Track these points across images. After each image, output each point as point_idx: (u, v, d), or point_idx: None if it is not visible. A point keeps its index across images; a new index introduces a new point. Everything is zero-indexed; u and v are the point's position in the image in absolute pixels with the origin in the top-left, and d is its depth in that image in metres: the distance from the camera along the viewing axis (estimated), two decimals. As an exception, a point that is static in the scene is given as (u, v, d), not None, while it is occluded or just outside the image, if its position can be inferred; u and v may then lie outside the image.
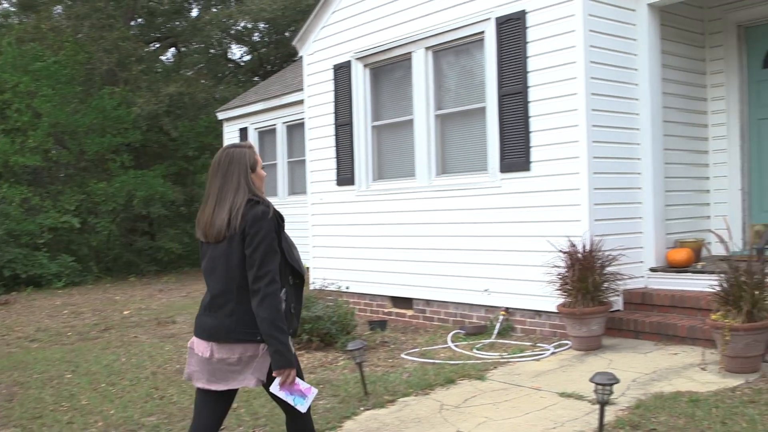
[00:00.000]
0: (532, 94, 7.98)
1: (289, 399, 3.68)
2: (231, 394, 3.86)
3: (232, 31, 27.89)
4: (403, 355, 7.58)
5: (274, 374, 3.64)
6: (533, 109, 7.98)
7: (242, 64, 31.04)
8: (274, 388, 3.66)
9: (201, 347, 3.78)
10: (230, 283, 3.70)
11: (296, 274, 3.85)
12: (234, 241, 3.68)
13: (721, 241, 6.54)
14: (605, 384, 4.41)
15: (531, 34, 7.98)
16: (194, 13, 28.71)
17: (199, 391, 3.83)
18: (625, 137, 7.92)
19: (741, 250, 8.35)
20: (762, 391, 5.46)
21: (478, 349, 7.55)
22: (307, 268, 11.33)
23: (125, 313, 12.27)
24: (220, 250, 3.73)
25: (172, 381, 7.11)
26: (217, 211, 3.74)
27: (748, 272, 6.07)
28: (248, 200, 3.74)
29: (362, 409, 5.78)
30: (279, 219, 3.77)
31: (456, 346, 7.81)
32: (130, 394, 6.74)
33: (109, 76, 21.59)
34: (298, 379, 3.70)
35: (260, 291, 3.59)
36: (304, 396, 3.71)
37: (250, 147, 3.98)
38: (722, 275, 6.22)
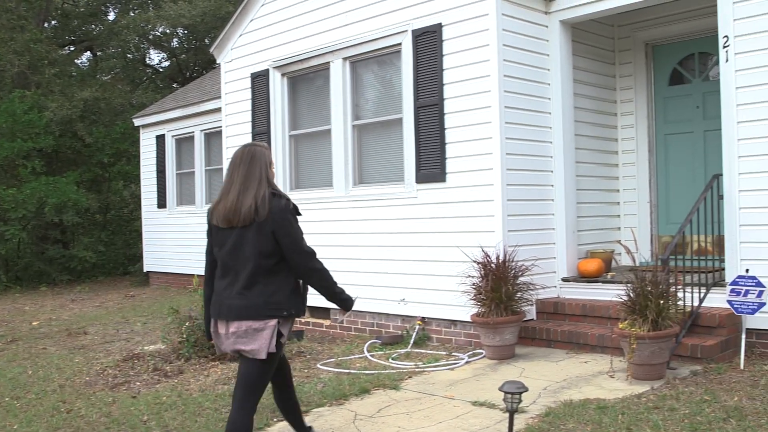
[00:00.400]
0: (448, 106, 8.08)
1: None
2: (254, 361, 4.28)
3: (151, 36, 27.38)
4: (319, 366, 7.56)
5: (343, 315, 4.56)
6: (449, 121, 8.08)
7: (161, 69, 30.50)
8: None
9: (223, 326, 4.29)
10: (258, 267, 4.16)
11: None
12: (262, 229, 4.14)
13: (628, 252, 6.74)
14: (514, 393, 4.48)
15: (447, 47, 8.08)
16: (111, 16, 28.10)
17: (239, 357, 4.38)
18: (538, 150, 8.09)
19: (648, 260, 8.62)
20: (666, 398, 5.63)
21: (394, 359, 7.58)
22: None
23: (34, 323, 11.89)
24: (246, 237, 4.17)
25: (80, 394, 6.92)
26: (241, 199, 4.16)
27: (653, 282, 6.27)
28: (272, 193, 4.21)
29: (275, 420, 5.73)
30: (296, 210, 4.32)
31: (372, 355, 7.82)
32: (36, 408, 6.53)
33: (20, 79, 20.90)
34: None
35: (316, 270, 4.30)
36: None
37: (267, 147, 4.48)
38: (629, 285, 6.40)
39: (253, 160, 4.29)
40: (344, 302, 4.52)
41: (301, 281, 4.37)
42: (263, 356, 4.19)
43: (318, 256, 4.33)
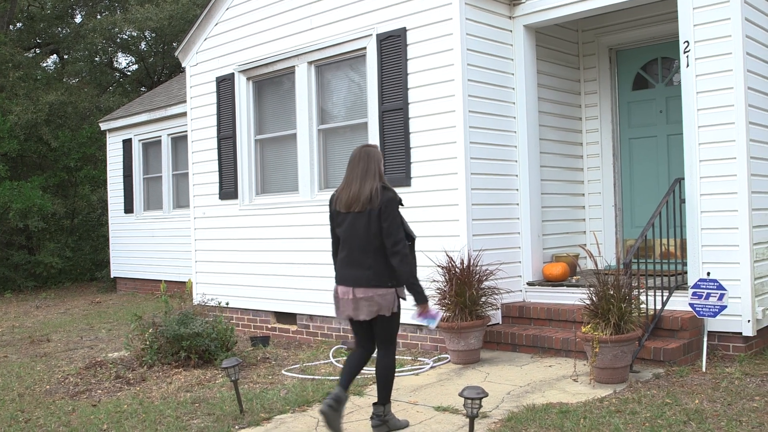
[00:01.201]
0: (413, 111, 8.08)
1: (424, 322, 5.27)
2: (371, 321, 5.23)
3: (118, 40, 27.12)
4: (283, 372, 7.50)
5: (415, 307, 5.17)
6: (413, 126, 8.07)
7: (129, 73, 30.23)
8: (413, 316, 5.26)
9: (344, 292, 5.21)
10: (369, 246, 5.10)
11: (409, 238, 5.19)
12: (373, 215, 5.05)
13: (591, 256, 6.76)
14: (474, 398, 4.47)
15: (411, 52, 8.08)
16: (78, 19, 27.81)
17: (352, 321, 5.29)
18: (503, 154, 8.11)
19: (613, 264, 8.66)
20: (628, 401, 5.66)
21: (359, 365, 7.54)
22: (191, 282, 11.10)
23: (-4, 331, 11.70)
24: (360, 221, 5.10)
25: (40, 403, 6.80)
26: (360, 190, 5.09)
27: (616, 286, 6.29)
28: (382, 186, 5.11)
29: (237, 427, 5.67)
30: (400, 201, 5.17)
31: (338, 361, 7.78)
32: (-7, 418, 6.41)
33: (-17, 83, 20.63)
34: (431, 307, 5.26)
35: (399, 253, 5.03)
36: (434, 318, 5.28)
37: (377, 147, 5.48)
38: (592, 289, 6.43)
39: (369, 158, 5.20)
40: (417, 294, 5.13)
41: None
42: (386, 313, 5.13)
43: (405, 247, 5.06)
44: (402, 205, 5.18)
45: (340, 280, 5.31)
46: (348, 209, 5.17)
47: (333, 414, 5.09)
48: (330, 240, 5.52)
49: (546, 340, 7.39)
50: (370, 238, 5.09)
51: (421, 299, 5.15)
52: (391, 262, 5.07)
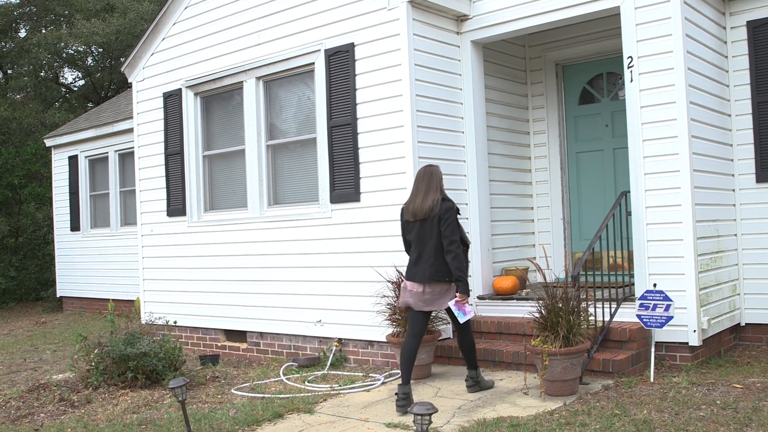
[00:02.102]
0: (362, 126, 8.07)
1: (455, 310, 6.27)
2: (429, 313, 6.51)
3: (64, 55, 26.67)
4: (233, 390, 7.39)
5: (457, 295, 6.23)
6: (363, 141, 8.06)
7: (75, 89, 29.74)
8: (451, 303, 6.28)
9: (413, 287, 6.36)
10: (431, 248, 6.24)
11: (464, 243, 6.38)
12: (434, 222, 6.22)
13: (539, 269, 6.80)
14: (424, 414, 4.44)
15: (359, 67, 8.07)
16: (22, 33, 27.30)
17: (412, 311, 6.43)
18: (452, 168, 8.13)
19: (560, 277, 8.73)
20: (578, 413, 5.68)
21: (310, 381, 7.48)
22: (139, 301, 10.89)
23: (-65, 355, 11.34)
24: (425, 227, 6.27)
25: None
26: (423, 202, 6.28)
27: (564, 299, 6.33)
28: (442, 198, 6.31)
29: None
30: (457, 210, 6.33)
31: (288, 379, 7.70)
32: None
33: (-76, 98, 20.10)
34: (468, 304, 6.32)
35: (453, 251, 6.19)
36: (465, 314, 6.28)
37: (438, 167, 6.53)
38: (541, 302, 6.46)
39: (431, 176, 6.39)
40: (461, 285, 6.23)
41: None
42: (443, 308, 6.44)
43: (458, 247, 6.22)
44: (459, 213, 6.35)
45: (410, 276, 6.42)
46: (415, 218, 6.33)
47: (406, 407, 6.01)
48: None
49: (497, 353, 7.41)
50: (434, 241, 6.23)
51: (463, 291, 6.24)
52: (446, 258, 6.21)
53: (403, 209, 6.53)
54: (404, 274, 6.61)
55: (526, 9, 7.84)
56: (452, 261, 6.18)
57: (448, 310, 6.42)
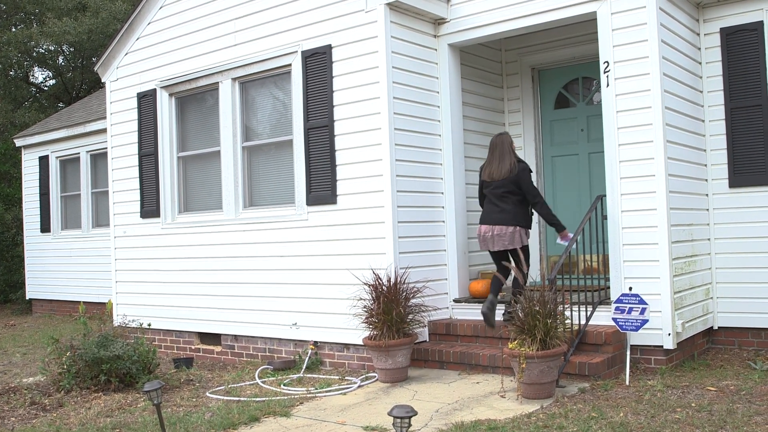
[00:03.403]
0: (339, 128, 8.04)
1: (563, 242, 7.43)
2: (506, 252, 7.46)
3: (34, 53, 26.34)
4: (208, 394, 7.33)
5: (559, 234, 7.49)
6: (339, 143, 8.03)
7: (45, 88, 29.38)
8: (558, 239, 7.52)
9: (486, 230, 7.51)
10: (505, 199, 7.43)
11: (538, 195, 7.47)
12: (512, 179, 7.36)
13: (516, 272, 6.82)
14: (403, 417, 4.42)
15: (337, 69, 8.05)
16: (-8, 32, 26.93)
17: (491, 252, 7.65)
18: (429, 171, 8.14)
19: (536, 280, 8.77)
20: (555, 416, 5.70)
21: (285, 385, 7.43)
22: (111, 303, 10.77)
23: None
24: (501, 184, 7.41)
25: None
26: (501, 165, 7.44)
27: (541, 302, 6.35)
28: (516, 159, 7.45)
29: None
30: (530, 170, 7.50)
31: (264, 382, 7.65)
32: None
33: None
34: (568, 234, 7.51)
35: (538, 203, 7.42)
36: (567, 240, 7.41)
37: (508, 134, 7.70)
38: (518, 305, 6.47)
39: (503, 143, 7.51)
40: (556, 225, 7.47)
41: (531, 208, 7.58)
42: (516, 246, 7.34)
43: (541, 198, 7.46)
44: (531, 171, 7.53)
45: (483, 221, 7.54)
46: (491, 179, 7.46)
47: (489, 314, 7.26)
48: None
49: (473, 356, 7.41)
50: (508, 195, 7.38)
51: (560, 228, 7.46)
52: (535, 210, 7.47)
53: (481, 168, 7.71)
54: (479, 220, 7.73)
55: (502, 13, 7.87)
56: (541, 210, 7.43)
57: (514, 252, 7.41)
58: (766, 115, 7.79)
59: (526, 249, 7.56)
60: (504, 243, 7.41)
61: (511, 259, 7.34)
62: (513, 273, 6.99)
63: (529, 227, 7.55)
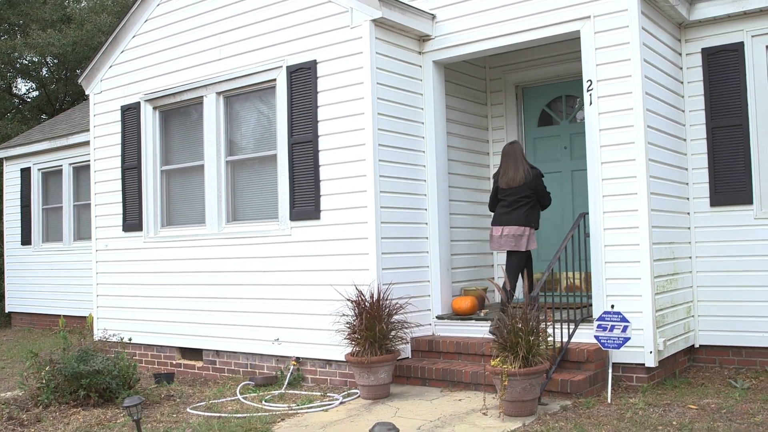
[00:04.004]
0: (323, 143, 8.04)
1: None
2: (518, 253, 7.80)
3: (18, 65, 26.21)
4: (188, 410, 7.26)
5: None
6: (323, 158, 8.03)
7: (29, 100, 29.22)
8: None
9: (497, 231, 7.81)
10: (522, 203, 7.71)
11: (549, 199, 7.98)
12: (526, 186, 7.70)
13: (499, 289, 6.82)
14: (385, 436, 4.40)
15: (322, 84, 8.06)
16: (-26, 43, 26.77)
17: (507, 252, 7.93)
18: (412, 188, 8.15)
19: (519, 298, 8.76)
20: (536, 434, 5.69)
21: (267, 401, 7.38)
22: (92, 317, 10.68)
23: None
24: (517, 191, 7.72)
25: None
26: (516, 173, 7.74)
27: (524, 319, 6.35)
28: (529, 166, 7.79)
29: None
30: (542, 175, 7.90)
31: (245, 398, 7.59)
32: None
33: None
34: None
35: (548, 205, 7.97)
36: None
37: (519, 142, 8.23)
38: (500, 322, 6.47)
39: (515, 151, 7.85)
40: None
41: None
42: (521, 249, 7.71)
43: (551, 201, 8.09)
44: (543, 176, 7.91)
45: (496, 222, 7.84)
46: (508, 186, 7.77)
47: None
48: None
49: (456, 373, 7.40)
50: (522, 199, 7.69)
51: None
52: (544, 208, 8.03)
53: (495, 175, 8.04)
54: (491, 222, 8.03)
55: (487, 31, 7.92)
56: (546, 206, 8.08)
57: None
58: (746, 134, 7.87)
59: (525, 256, 7.86)
60: (510, 244, 7.71)
61: (508, 263, 7.84)
62: (508, 284, 7.21)
63: (537, 228, 7.86)
